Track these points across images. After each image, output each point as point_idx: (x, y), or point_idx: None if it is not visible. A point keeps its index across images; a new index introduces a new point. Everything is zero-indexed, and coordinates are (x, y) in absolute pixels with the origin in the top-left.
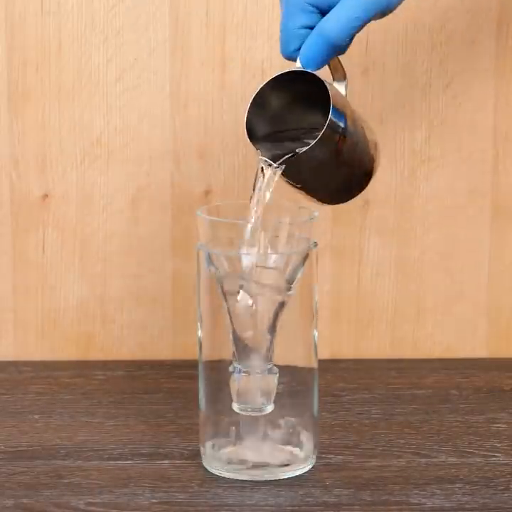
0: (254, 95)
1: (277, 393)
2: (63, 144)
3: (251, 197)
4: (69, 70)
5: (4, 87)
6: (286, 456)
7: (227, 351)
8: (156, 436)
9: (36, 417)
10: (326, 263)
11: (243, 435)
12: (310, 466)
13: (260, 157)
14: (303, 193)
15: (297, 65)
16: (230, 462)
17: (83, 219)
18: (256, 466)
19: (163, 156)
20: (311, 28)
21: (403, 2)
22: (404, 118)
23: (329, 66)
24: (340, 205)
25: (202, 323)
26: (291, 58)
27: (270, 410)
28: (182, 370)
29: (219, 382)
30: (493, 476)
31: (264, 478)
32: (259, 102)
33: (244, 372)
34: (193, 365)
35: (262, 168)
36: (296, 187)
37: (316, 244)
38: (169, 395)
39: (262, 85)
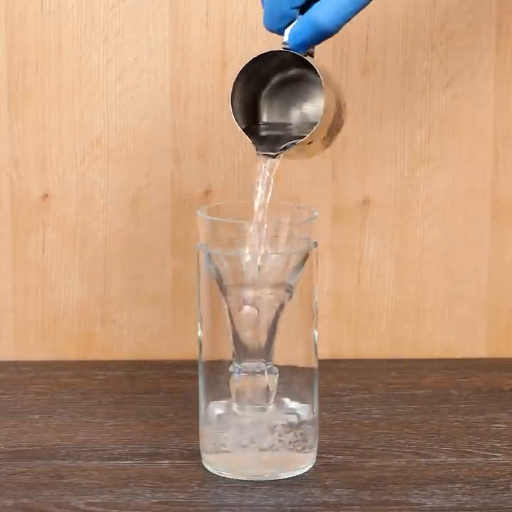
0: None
1: (277, 393)
2: (63, 144)
3: (254, 189)
4: (69, 70)
5: (4, 87)
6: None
7: (227, 351)
8: (156, 436)
9: (36, 417)
10: (326, 263)
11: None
12: (310, 466)
13: (258, 153)
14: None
15: (284, 40)
16: (230, 462)
17: (83, 219)
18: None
19: (163, 156)
20: (298, 7)
21: (403, 2)
22: (404, 118)
23: None
24: (340, 205)
25: (202, 323)
26: (277, 33)
27: (270, 410)
28: (182, 370)
29: (219, 382)
30: (493, 476)
31: (264, 478)
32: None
33: (244, 372)
34: (193, 365)
35: (263, 165)
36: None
37: (316, 244)
38: (169, 395)
39: (244, 65)
